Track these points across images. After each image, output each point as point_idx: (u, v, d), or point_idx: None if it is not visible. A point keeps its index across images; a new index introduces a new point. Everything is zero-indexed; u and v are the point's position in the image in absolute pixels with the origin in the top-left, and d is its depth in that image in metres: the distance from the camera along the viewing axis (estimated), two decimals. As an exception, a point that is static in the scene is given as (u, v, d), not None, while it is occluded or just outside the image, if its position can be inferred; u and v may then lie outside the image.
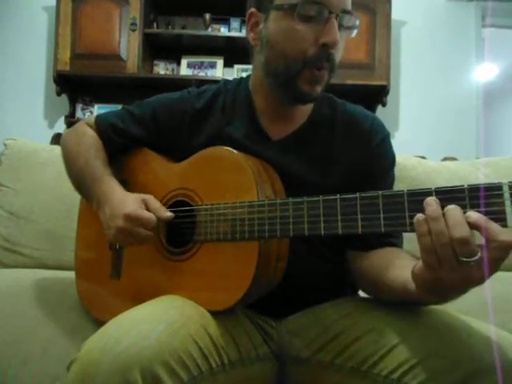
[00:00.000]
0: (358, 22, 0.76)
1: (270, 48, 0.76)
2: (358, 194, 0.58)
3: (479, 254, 0.49)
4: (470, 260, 0.49)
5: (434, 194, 0.52)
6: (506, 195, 0.48)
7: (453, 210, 0.50)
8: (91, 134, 0.90)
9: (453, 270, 0.50)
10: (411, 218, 0.53)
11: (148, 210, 0.74)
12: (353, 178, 0.79)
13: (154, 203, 0.75)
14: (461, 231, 0.49)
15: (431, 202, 0.51)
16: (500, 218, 0.49)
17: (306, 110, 0.85)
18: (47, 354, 0.79)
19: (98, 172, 0.82)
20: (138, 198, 0.75)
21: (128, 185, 0.85)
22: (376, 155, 0.83)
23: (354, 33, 0.77)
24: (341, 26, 0.74)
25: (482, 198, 0.49)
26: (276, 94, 0.80)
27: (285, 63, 0.74)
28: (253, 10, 0.79)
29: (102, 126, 0.91)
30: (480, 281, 0.51)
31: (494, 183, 0.49)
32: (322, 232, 0.60)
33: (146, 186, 0.84)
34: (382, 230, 0.56)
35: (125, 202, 0.75)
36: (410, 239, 0.80)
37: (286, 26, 0.73)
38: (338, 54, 0.76)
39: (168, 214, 0.74)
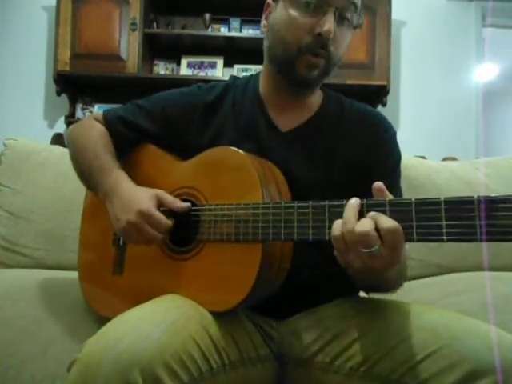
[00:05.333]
0: (361, 21, 0.78)
1: (273, 34, 0.80)
2: (365, 201, 0.57)
3: (377, 246, 0.53)
4: (371, 250, 0.54)
5: (442, 203, 0.51)
6: None
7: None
8: (99, 128, 0.89)
9: (357, 256, 0.55)
10: (418, 227, 0.52)
11: (163, 204, 0.74)
12: (357, 176, 0.79)
13: (168, 197, 0.75)
14: (364, 226, 0.54)
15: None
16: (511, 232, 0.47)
17: (314, 104, 0.86)
18: (47, 354, 0.79)
19: (108, 165, 0.82)
20: (152, 195, 0.75)
21: (133, 181, 0.84)
22: (382, 154, 0.83)
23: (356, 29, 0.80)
24: (344, 20, 0.76)
25: (493, 209, 0.48)
26: (278, 80, 0.83)
27: (282, 49, 0.78)
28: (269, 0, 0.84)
29: (110, 120, 0.90)
30: (382, 266, 0.56)
31: (506, 195, 0.48)
32: (327, 237, 0.59)
33: (152, 183, 0.83)
34: None
35: (138, 197, 0.74)
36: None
37: (288, 15, 0.77)
38: (338, 47, 0.78)
39: (183, 204, 0.75)
